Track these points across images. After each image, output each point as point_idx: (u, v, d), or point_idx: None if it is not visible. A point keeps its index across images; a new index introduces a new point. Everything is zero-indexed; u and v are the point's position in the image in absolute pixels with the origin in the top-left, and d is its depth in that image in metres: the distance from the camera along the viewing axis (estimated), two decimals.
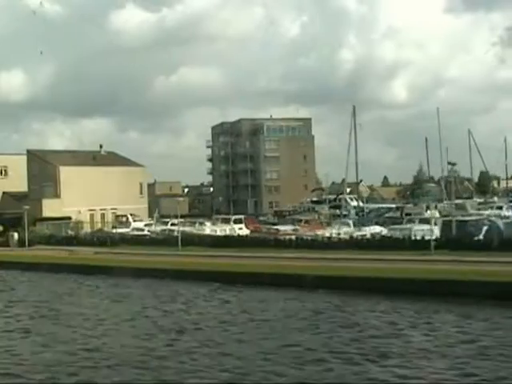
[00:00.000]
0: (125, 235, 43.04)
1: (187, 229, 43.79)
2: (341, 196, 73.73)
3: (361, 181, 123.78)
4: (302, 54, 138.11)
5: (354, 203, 71.71)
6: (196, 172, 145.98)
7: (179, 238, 36.91)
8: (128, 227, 51.10)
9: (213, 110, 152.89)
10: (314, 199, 69.43)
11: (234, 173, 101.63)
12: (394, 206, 67.30)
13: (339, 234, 37.16)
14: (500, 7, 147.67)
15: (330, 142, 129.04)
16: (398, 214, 56.77)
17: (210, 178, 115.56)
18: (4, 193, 61.51)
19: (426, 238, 30.54)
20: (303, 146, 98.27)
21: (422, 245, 30.25)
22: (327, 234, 37.36)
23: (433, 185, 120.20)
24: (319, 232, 38.34)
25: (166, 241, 39.96)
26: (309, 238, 35.79)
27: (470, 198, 69.80)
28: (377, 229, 38.09)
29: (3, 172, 63.13)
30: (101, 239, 43.40)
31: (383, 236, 34.98)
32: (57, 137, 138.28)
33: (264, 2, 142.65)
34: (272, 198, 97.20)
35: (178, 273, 26.64)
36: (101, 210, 57.87)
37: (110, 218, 57.86)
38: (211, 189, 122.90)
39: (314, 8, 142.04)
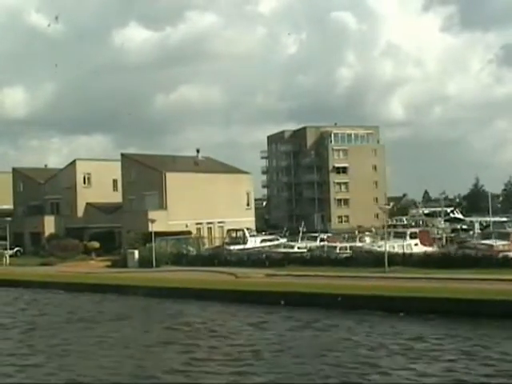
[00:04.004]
0: (288, 255, 35.47)
1: (348, 245, 36.84)
2: (457, 209, 67.62)
3: (404, 195, 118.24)
4: (302, 71, 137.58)
5: (458, 216, 65.64)
6: None
7: (386, 256, 29.58)
8: (245, 243, 44.53)
9: (213, 128, 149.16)
10: (426, 211, 62.44)
11: (296, 185, 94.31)
12: (504, 219, 61.33)
13: None
14: (496, 27, 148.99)
15: None
16: None
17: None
18: (88, 204, 53.59)
19: None
20: (373, 155, 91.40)
21: None
22: None
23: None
24: None
25: (352, 260, 32.53)
26: None
27: None
28: None
29: (86, 180, 54.52)
30: (252, 258, 36.02)
31: None
32: (54, 153, 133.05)
33: (266, 21, 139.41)
34: (341, 211, 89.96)
35: None
36: (207, 223, 50.07)
37: (217, 232, 50.16)
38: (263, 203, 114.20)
39: (314, 26, 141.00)
